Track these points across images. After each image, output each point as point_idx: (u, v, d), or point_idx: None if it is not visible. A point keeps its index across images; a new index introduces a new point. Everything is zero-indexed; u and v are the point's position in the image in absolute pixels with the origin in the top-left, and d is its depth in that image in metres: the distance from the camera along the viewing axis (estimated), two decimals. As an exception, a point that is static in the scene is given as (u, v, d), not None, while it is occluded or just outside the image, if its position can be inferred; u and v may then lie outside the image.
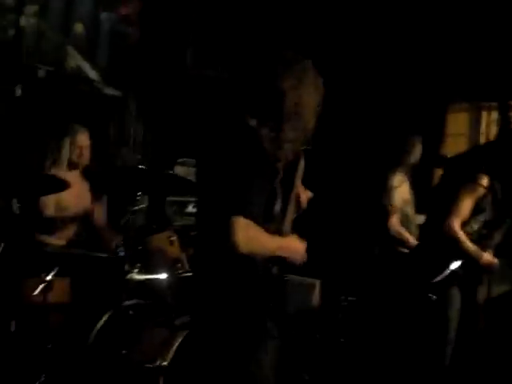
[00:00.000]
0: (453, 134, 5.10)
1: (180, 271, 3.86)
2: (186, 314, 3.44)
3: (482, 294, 3.95)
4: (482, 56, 5.35)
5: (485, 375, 3.96)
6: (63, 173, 4.19)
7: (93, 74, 6.02)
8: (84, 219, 4.38)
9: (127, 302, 3.65)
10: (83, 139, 4.34)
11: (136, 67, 6.27)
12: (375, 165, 4.89)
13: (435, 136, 4.77)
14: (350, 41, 5.74)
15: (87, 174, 4.43)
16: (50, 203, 4.16)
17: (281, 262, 2.51)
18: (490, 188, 3.73)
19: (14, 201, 4.23)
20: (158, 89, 6.31)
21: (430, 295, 3.68)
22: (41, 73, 5.50)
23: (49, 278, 3.57)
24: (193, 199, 5.10)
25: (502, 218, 3.82)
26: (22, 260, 3.78)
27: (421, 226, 4.53)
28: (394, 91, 5.64)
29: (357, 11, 5.74)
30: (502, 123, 4.38)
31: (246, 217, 2.26)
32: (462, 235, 3.75)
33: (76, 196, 4.28)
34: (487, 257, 3.79)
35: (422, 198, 4.67)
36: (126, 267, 3.62)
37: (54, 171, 4.21)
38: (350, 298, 4.82)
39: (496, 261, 3.83)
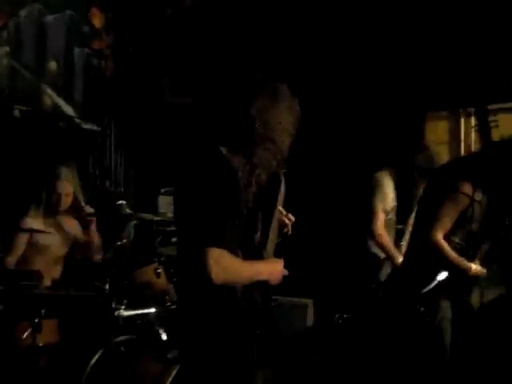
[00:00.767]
0: (433, 143, 5.09)
1: (168, 303, 3.83)
2: (177, 347, 3.41)
3: (474, 299, 3.92)
4: (456, 63, 5.35)
5: (482, 381, 3.93)
6: (41, 220, 4.31)
7: (69, 110, 6.01)
8: (68, 258, 4.41)
9: (118, 339, 3.61)
10: (65, 186, 4.33)
11: (112, 100, 6.27)
12: (358, 185, 4.87)
13: (415, 146, 4.74)
14: (329, 50, 5.75)
15: (73, 211, 4.45)
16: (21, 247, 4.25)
17: (263, 287, 2.46)
18: (474, 198, 3.67)
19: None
20: (135, 120, 6.31)
21: (419, 307, 3.63)
22: (16, 112, 5.48)
23: (36, 320, 3.57)
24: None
25: (491, 231, 3.75)
26: (10, 305, 3.75)
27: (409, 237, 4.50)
28: (371, 105, 5.65)
29: (332, 22, 5.75)
30: (481, 129, 4.33)
31: (219, 246, 2.23)
32: (445, 246, 3.68)
33: (58, 239, 4.37)
34: (475, 269, 3.74)
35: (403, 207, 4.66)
36: (113, 304, 3.59)
37: (31, 218, 4.29)
38: (345, 316, 4.78)
39: (484, 271, 3.79)
